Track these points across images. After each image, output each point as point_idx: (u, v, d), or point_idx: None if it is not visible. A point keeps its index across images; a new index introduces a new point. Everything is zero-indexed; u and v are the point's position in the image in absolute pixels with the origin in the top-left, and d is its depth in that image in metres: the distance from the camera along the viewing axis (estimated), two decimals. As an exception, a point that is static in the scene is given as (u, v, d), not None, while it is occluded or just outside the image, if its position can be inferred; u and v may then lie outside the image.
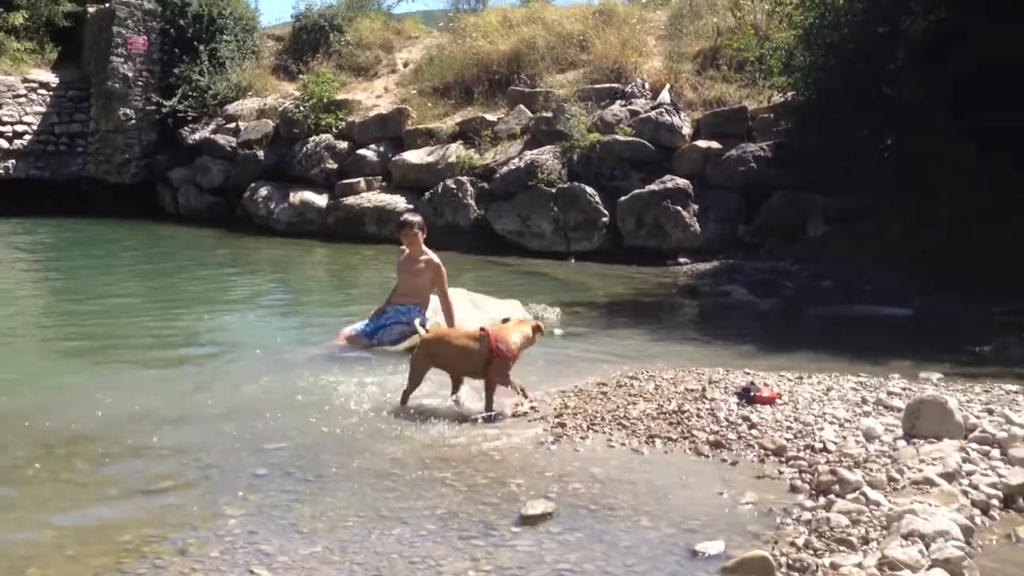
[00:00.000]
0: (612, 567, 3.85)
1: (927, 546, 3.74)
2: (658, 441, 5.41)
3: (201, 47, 21.14)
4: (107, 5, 21.44)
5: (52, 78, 21.98)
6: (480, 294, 9.68)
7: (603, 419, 5.79)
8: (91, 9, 22.08)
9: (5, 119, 20.95)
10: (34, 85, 21.50)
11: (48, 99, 21.64)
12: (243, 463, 5.04)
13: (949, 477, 4.57)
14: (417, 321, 7.17)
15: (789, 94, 14.61)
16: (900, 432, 5.33)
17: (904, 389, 6.46)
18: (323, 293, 12.68)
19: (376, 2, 23.83)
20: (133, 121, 21.18)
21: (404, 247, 8.36)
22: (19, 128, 21.14)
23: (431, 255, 8.26)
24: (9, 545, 4.01)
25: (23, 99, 21.25)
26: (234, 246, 17.01)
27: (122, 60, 20.95)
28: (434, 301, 8.50)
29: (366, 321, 8.18)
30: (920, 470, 4.67)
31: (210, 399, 6.41)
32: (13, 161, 21.07)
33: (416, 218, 8.51)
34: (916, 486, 4.51)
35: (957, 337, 9.08)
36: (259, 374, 7.17)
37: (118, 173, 21.41)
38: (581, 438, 5.47)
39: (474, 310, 9.12)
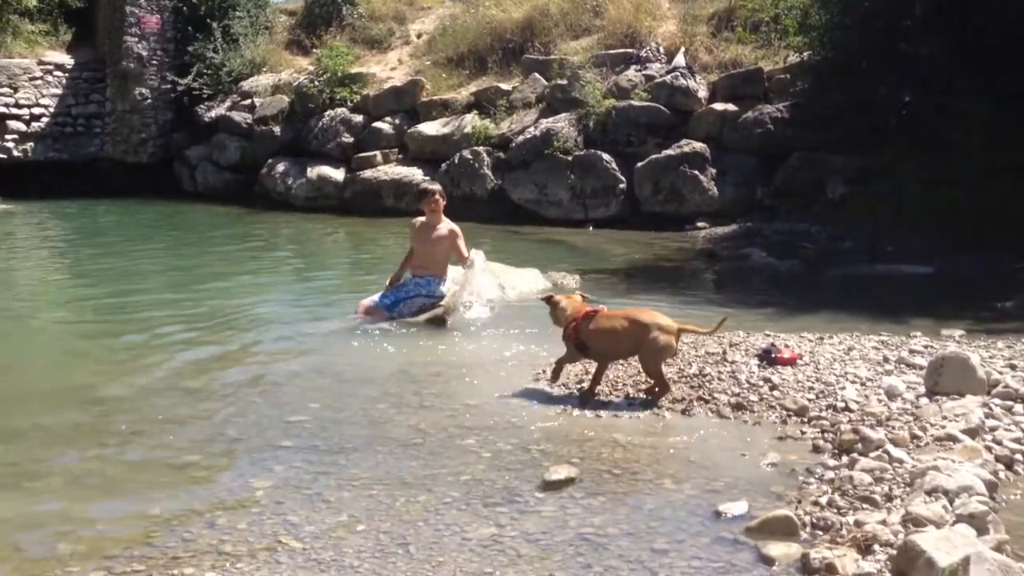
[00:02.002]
0: (636, 530, 3.87)
1: (951, 502, 3.75)
2: (680, 404, 5.42)
3: (214, 24, 21.12)
4: (119, -16, 21.45)
5: (67, 60, 22.07)
6: (499, 263, 9.69)
7: (624, 384, 5.80)
8: (104, -11, 22.11)
9: (22, 102, 21.07)
10: (50, 67, 21.60)
11: (64, 81, 21.74)
12: (268, 436, 5.09)
13: (972, 433, 4.57)
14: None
15: (805, 54, 14.46)
16: (922, 390, 5.33)
17: (926, 347, 6.45)
18: (342, 267, 12.72)
19: (388, -27, 23.70)
20: (149, 100, 21.27)
21: (419, 218, 8.38)
22: (36, 111, 21.28)
23: (450, 223, 8.29)
24: (40, 520, 4.07)
25: (39, 81, 21.35)
26: (253, 222, 17.06)
27: (136, 39, 20.99)
28: (452, 271, 8.53)
29: (383, 292, 8.21)
30: (943, 427, 4.67)
31: (233, 374, 6.46)
32: (32, 144, 21.21)
33: (436, 186, 8.57)
34: (939, 443, 4.51)
35: (978, 294, 9.04)
36: (281, 348, 7.24)
37: (136, 153, 21.52)
38: (603, 403, 5.48)
39: (494, 279, 9.14)
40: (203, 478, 4.51)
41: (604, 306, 6.07)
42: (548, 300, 6.17)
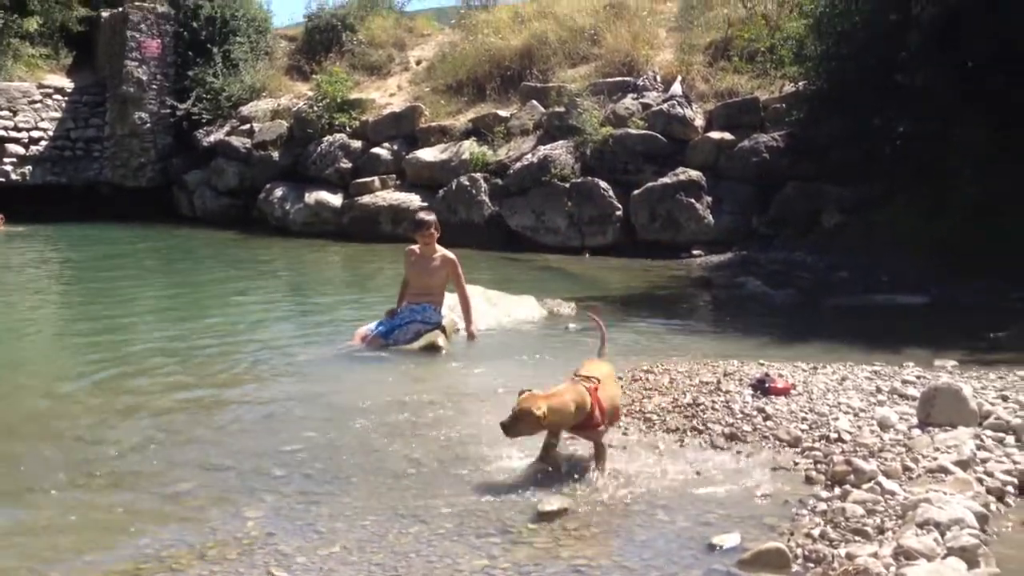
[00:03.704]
0: (628, 561, 3.86)
1: (942, 535, 3.75)
2: (673, 434, 5.43)
3: (214, 49, 21.25)
4: (120, 9, 21.59)
5: (67, 83, 22.14)
6: (496, 291, 9.73)
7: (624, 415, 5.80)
8: (104, 13, 22.23)
9: (21, 125, 21.09)
10: (49, 91, 21.64)
11: (64, 104, 21.79)
12: (260, 464, 5.07)
13: (964, 465, 4.57)
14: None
15: (801, 83, 14.57)
16: (915, 420, 5.33)
17: (919, 377, 6.45)
18: (339, 293, 12.72)
19: (388, 0, 23.87)
20: (148, 125, 21.32)
21: (415, 246, 8.40)
22: (35, 134, 21.28)
23: (445, 252, 8.31)
24: (28, 551, 4.05)
25: (39, 105, 21.39)
26: (250, 247, 17.10)
27: (136, 64, 21.09)
28: (449, 298, 8.55)
29: (380, 321, 8.22)
30: (935, 458, 4.67)
31: (226, 401, 6.46)
32: (30, 167, 21.21)
33: (431, 217, 8.54)
34: (931, 474, 4.51)
35: (972, 324, 9.02)
36: (276, 375, 7.24)
37: (135, 177, 21.56)
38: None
39: (490, 307, 9.17)
40: (193, 507, 4.49)
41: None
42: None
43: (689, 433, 5.44)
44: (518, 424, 4.71)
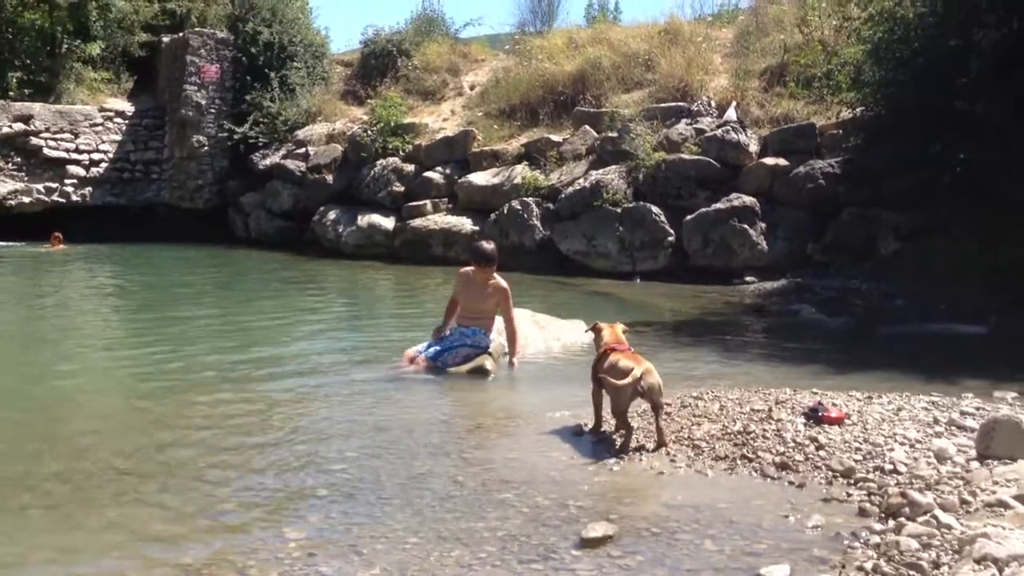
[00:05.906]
0: (674, 592, 3.78)
1: (1000, 571, 3.61)
2: (723, 462, 5.32)
3: (272, 74, 21.58)
4: (181, 35, 22.06)
5: (128, 107, 22.61)
6: (544, 315, 9.68)
7: (677, 440, 5.71)
8: (165, 39, 22.69)
9: (83, 147, 21.55)
10: (111, 114, 22.13)
11: (124, 127, 22.25)
12: (305, 484, 5.06)
13: (1024, 500, 4.42)
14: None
15: (858, 110, 14.39)
16: (973, 453, 5.17)
17: (978, 409, 6.28)
18: (389, 315, 12.75)
19: (443, 26, 24.10)
20: (206, 148, 21.69)
21: (469, 268, 8.38)
22: (96, 156, 21.75)
23: (499, 280, 8.29)
24: (71, 567, 4.05)
25: (100, 128, 21.86)
26: (303, 269, 17.24)
27: (195, 88, 21.48)
28: (497, 323, 8.52)
29: (429, 342, 8.21)
30: (994, 492, 4.52)
31: (273, 419, 6.45)
32: (90, 188, 21.67)
33: (495, 253, 8.45)
34: (989, 508, 4.37)
35: (1033, 355, 8.81)
36: (324, 395, 7.24)
37: (192, 199, 21.93)
38: (643, 459, 5.40)
39: (538, 330, 9.12)
40: (237, 526, 4.47)
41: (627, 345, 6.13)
42: (594, 328, 6.39)
43: (739, 461, 5.32)
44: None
